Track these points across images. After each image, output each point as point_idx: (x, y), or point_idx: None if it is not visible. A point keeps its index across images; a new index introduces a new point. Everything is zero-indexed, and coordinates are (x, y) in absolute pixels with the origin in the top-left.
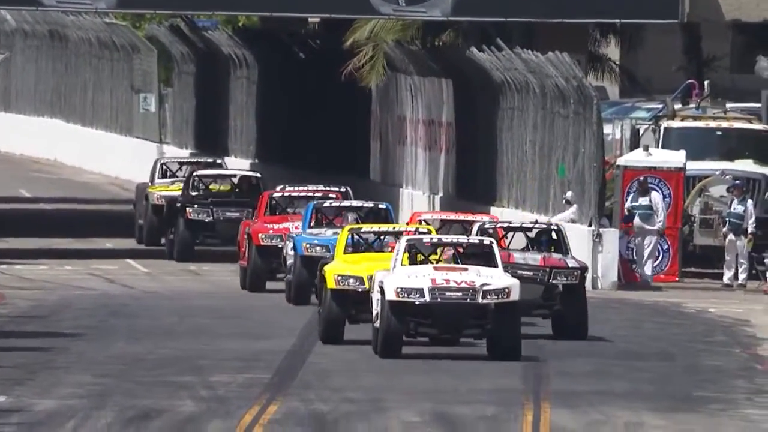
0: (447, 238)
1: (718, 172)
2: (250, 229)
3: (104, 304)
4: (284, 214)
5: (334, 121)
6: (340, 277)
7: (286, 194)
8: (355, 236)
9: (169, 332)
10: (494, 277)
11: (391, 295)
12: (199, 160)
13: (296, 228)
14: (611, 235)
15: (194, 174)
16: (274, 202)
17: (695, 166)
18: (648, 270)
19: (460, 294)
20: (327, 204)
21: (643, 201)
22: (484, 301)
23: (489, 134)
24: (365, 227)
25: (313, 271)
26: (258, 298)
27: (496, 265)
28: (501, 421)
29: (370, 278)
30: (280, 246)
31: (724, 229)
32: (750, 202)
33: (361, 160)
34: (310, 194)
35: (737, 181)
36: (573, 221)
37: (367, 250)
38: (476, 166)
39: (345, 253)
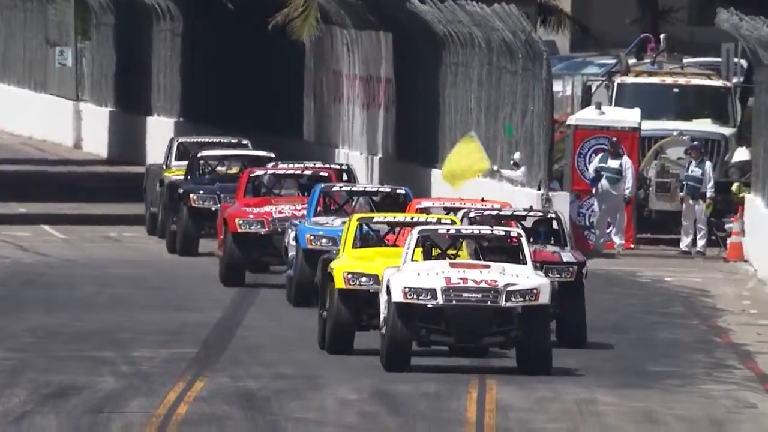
0: (467, 229)
1: (675, 133)
2: (226, 214)
3: (17, 273)
4: (268, 195)
5: (265, 78)
6: (351, 276)
7: (270, 172)
8: (365, 227)
9: (88, 303)
10: (521, 276)
11: (398, 297)
12: (221, 140)
13: (281, 212)
14: (562, 200)
15: (199, 155)
16: (256, 182)
17: (651, 126)
18: (618, 239)
19: (479, 296)
20: (336, 188)
21: (613, 164)
22: (508, 304)
23: (431, 91)
24: (377, 216)
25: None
26: (184, 266)
27: (524, 262)
28: (443, 398)
29: None
30: (262, 233)
31: (682, 194)
32: (709, 164)
33: (294, 118)
34: (298, 173)
35: (695, 143)
36: (521, 184)
37: (379, 243)
38: (417, 126)
39: (354, 247)
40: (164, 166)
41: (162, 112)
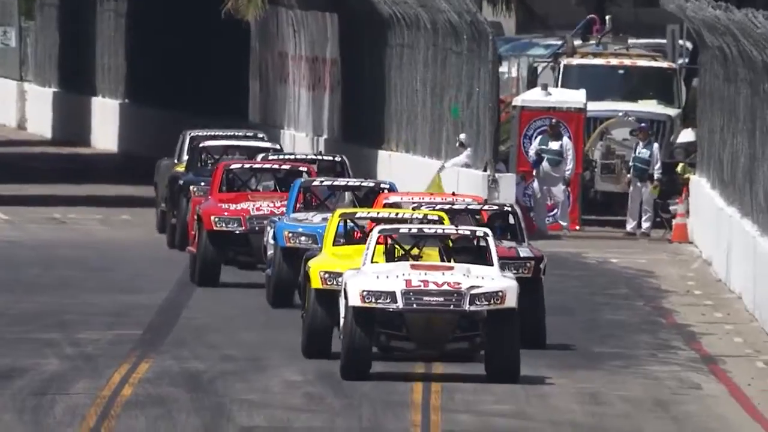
0: (430, 229)
1: (620, 114)
2: (200, 210)
3: None
4: (244, 190)
5: (210, 59)
6: (327, 275)
7: (247, 166)
8: (348, 223)
9: (32, 285)
10: (486, 278)
11: (355, 300)
12: (236, 132)
13: (259, 209)
14: (508, 181)
15: (200, 145)
16: (231, 175)
17: (596, 107)
18: (564, 221)
19: (441, 299)
20: (317, 182)
21: (553, 145)
22: (473, 308)
23: (377, 73)
24: (360, 212)
25: (296, 267)
26: (129, 248)
27: (491, 263)
28: (389, 380)
29: None
30: (237, 232)
31: (629, 175)
32: (656, 146)
33: (240, 99)
34: (276, 166)
35: (643, 124)
36: (467, 165)
37: (363, 240)
38: (363, 107)
39: (335, 244)
40: (176, 161)
41: (107, 93)
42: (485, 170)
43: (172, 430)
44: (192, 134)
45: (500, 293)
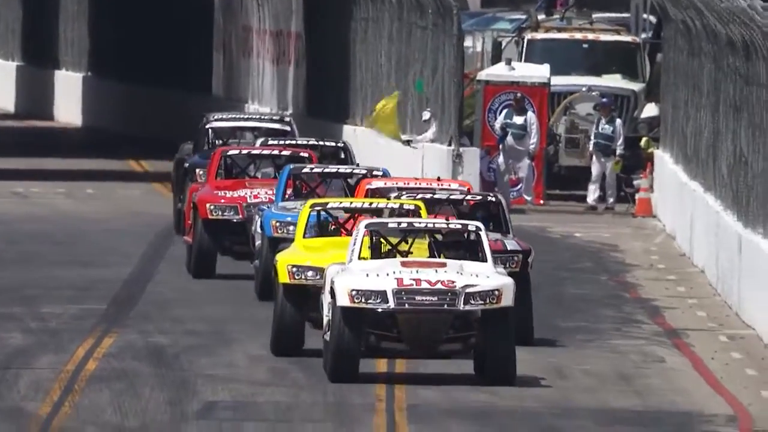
0: (420, 223)
1: (584, 88)
2: (196, 197)
3: None
4: (242, 177)
5: (174, 32)
6: (295, 269)
7: (246, 152)
8: (321, 214)
9: None
10: (481, 276)
11: (344, 300)
12: (261, 116)
13: (257, 197)
14: (472, 155)
15: (207, 126)
16: (229, 161)
17: (560, 81)
18: (528, 195)
19: (434, 298)
20: (307, 169)
21: (518, 120)
22: (467, 308)
23: (341, 47)
24: (333, 202)
25: None
26: (92, 222)
27: (484, 259)
28: None
29: None
30: (234, 220)
31: (590, 150)
32: (618, 122)
33: (204, 73)
34: (276, 152)
35: (604, 100)
36: (432, 140)
37: (337, 232)
38: (328, 81)
39: (307, 236)
40: (193, 154)
41: (70, 66)
42: (450, 145)
43: (136, 404)
44: (214, 117)
45: (496, 292)
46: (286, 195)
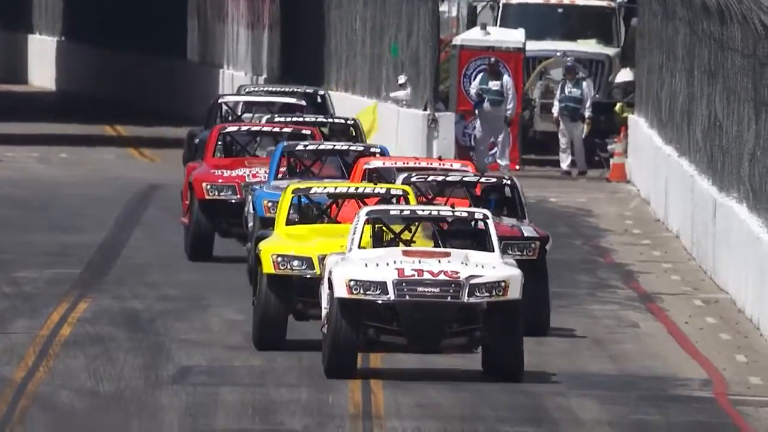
0: (423, 210)
1: (559, 53)
2: (192, 177)
3: None
4: (242, 156)
5: None
6: (280, 259)
7: (245, 128)
8: (302, 199)
9: None
10: (487, 266)
11: (341, 291)
12: (295, 89)
13: (256, 176)
14: (447, 120)
15: (219, 101)
16: (228, 139)
17: (535, 47)
18: (503, 160)
19: (437, 290)
20: (300, 147)
21: (494, 85)
22: (471, 300)
23: (316, 11)
24: (315, 186)
25: None
26: (66, 186)
27: (491, 248)
28: None
29: (323, 259)
30: (232, 201)
31: (555, 114)
32: (585, 84)
33: (178, 38)
34: (277, 129)
35: (569, 64)
36: (407, 105)
37: (319, 218)
38: (303, 46)
39: (289, 223)
40: (204, 129)
41: (43, 30)
42: (425, 110)
43: (111, 369)
44: (247, 90)
45: (503, 283)
46: (279, 173)
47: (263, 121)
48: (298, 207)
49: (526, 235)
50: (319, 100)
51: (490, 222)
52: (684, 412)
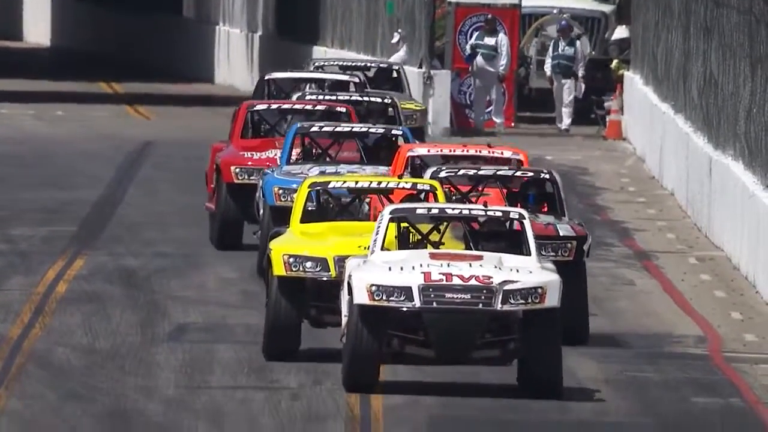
0: (453, 209)
1: (555, 11)
2: (219, 159)
3: None
4: (271, 136)
5: None
6: (292, 260)
7: (274, 106)
8: (320, 194)
9: None
10: (523, 271)
11: (362, 297)
12: (353, 63)
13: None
14: (443, 78)
15: (266, 77)
16: (256, 117)
17: (531, 3)
18: (498, 118)
19: (468, 296)
20: (316, 128)
21: (489, 41)
22: (505, 308)
23: None
24: (334, 180)
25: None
26: (61, 144)
27: (527, 252)
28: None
29: (339, 261)
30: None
31: (548, 72)
32: (578, 43)
33: None
34: (309, 107)
35: (563, 23)
36: (404, 62)
37: (340, 215)
38: (298, 2)
39: (304, 220)
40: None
41: None
42: (420, 67)
43: (107, 326)
44: (317, 64)
45: (539, 290)
46: (293, 157)
47: (294, 98)
48: (316, 202)
49: (561, 234)
50: (394, 75)
51: (526, 222)
52: (679, 368)
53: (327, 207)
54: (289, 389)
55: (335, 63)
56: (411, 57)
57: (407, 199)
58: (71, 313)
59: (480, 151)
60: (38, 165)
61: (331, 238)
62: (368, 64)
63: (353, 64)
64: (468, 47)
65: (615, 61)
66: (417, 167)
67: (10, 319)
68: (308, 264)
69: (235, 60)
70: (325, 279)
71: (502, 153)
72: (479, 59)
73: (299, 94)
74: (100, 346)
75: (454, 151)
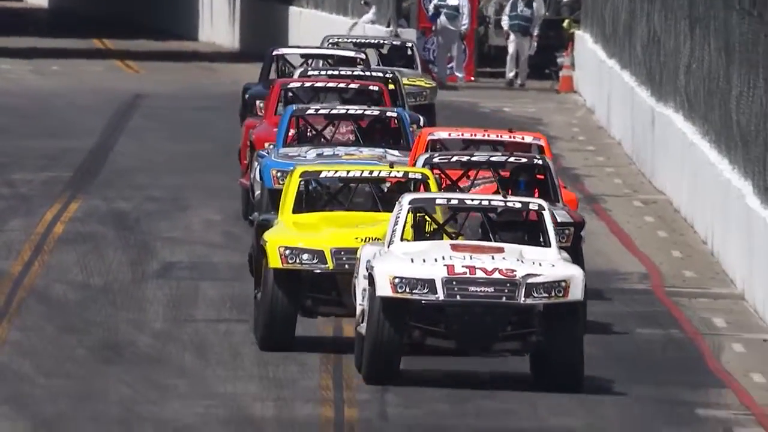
0: (472, 200)
1: None
2: (253, 135)
3: None
4: None
5: None
6: (288, 252)
7: (308, 84)
8: (311, 184)
9: None
10: (545, 264)
11: (385, 289)
12: (367, 39)
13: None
14: (409, 36)
15: (273, 53)
16: (290, 94)
17: None
18: (459, 72)
19: (491, 290)
20: (312, 111)
21: (451, 2)
22: (528, 301)
23: None
24: (326, 169)
25: None
26: (58, 96)
27: (547, 243)
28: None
29: (336, 253)
30: None
31: (505, 28)
32: (536, 5)
33: None
34: (342, 85)
35: None
36: (372, 22)
37: (329, 204)
38: None
39: (297, 211)
40: (258, 82)
41: None
42: (388, 26)
43: (100, 264)
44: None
45: (563, 283)
46: (288, 139)
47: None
48: (306, 192)
49: (559, 220)
50: (408, 52)
51: (546, 213)
52: (624, 303)
53: (317, 196)
54: None
55: (350, 40)
56: (379, 17)
57: (396, 187)
58: (67, 252)
59: (501, 136)
60: (37, 116)
61: (326, 230)
62: (382, 41)
63: (367, 41)
64: (431, 7)
65: (567, 21)
66: (437, 151)
67: (12, 257)
68: (305, 256)
69: (217, 19)
70: (320, 271)
71: (523, 138)
72: (442, 18)
73: (301, 70)
74: (94, 283)
75: (475, 135)
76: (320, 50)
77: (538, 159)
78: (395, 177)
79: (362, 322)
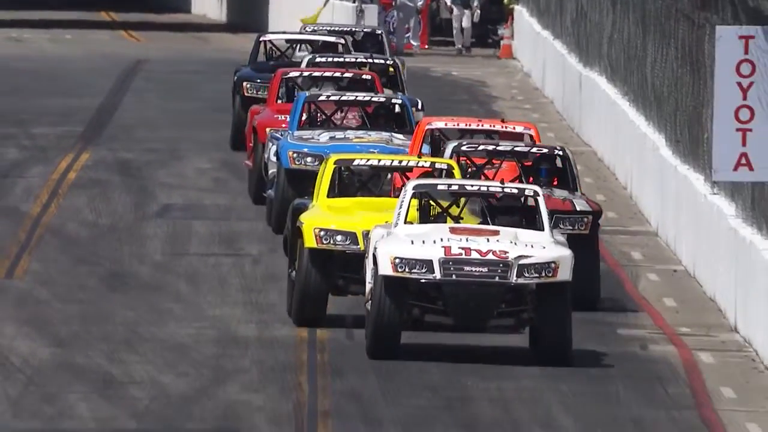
0: (472, 186)
1: None
2: (256, 121)
3: None
4: None
5: None
6: (323, 233)
7: (307, 74)
8: (344, 171)
9: None
10: (537, 246)
11: (386, 269)
12: (349, 28)
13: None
14: (372, 11)
15: (261, 38)
16: (291, 83)
17: None
18: (415, 41)
19: (485, 270)
20: (323, 97)
21: None
22: (520, 281)
23: None
24: (357, 158)
25: (301, 190)
26: (71, 61)
27: (541, 227)
28: None
29: (367, 235)
30: None
31: (448, 3)
32: None
33: None
34: (338, 75)
35: None
36: None
37: (360, 190)
38: None
39: (331, 195)
40: (247, 65)
41: None
42: (354, 1)
43: (107, 206)
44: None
45: (552, 264)
46: (301, 123)
47: (304, 62)
48: (339, 178)
49: (578, 209)
50: (379, 39)
51: (540, 199)
52: None
53: (349, 182)
54: (251, 256)
55: (324, 28)
56: None
57: (423, 176)
58: (79, 195)
59: (494, 126)
60: (52, 78)
61: (358, 213)
62: (354, 29)
63: (340, 29)
64: None
65: None
66: (436, 139)
67: (32, 200)
68: (338, 237)
69: None
70: (351, 252)
71: (514, 128)
72: None
73: (309, 57)
74: (102, 222)
75: (470, 125)
76: (304, 36)
77: (559, 150)
78: (423, 167)
79: (369, 300)
